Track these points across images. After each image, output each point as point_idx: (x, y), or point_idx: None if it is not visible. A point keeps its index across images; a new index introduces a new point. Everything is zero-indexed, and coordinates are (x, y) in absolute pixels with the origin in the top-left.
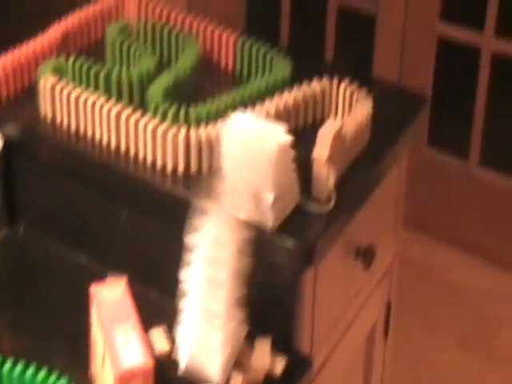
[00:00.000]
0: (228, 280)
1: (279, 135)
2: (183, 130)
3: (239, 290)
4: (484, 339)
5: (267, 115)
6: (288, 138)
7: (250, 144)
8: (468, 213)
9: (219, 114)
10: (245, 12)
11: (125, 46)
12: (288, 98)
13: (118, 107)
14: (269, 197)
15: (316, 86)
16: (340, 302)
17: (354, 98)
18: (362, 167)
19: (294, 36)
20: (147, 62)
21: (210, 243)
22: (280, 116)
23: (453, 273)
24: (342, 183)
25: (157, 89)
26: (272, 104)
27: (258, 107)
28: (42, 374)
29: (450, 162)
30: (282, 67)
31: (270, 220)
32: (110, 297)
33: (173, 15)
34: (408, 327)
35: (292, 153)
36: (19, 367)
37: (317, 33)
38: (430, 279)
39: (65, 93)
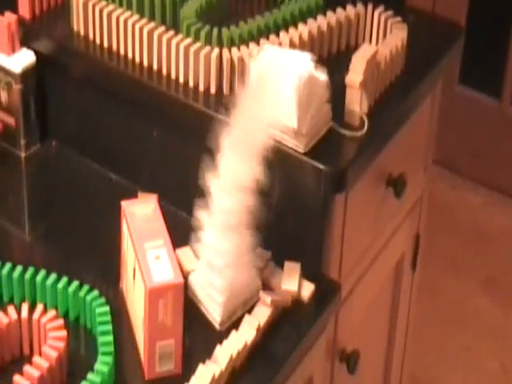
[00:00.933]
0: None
1: (303, 64)
2: (216, 50)
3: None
4: (510, 280)
5: (300, 39)
6: (312, 67)
7: (274, 74)
8: (499, 153)
9: (252, 36)
10: None
11: None
12: (322, 22)
13: (151, 25)
14: (294, 124)
15: (350, 11)
16: (369, 229)
17: (389, 24)
18: (395, 95)
19: None
20: None
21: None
22: (313, 40)
23: (481, 212)
24: (375, 110)
25: (190, 9)
26: (305, 28)
27: (291, 31)
28: (74, 285)
29: (482, 101)
30: None
31: (300, 144)
32: (141, 212)
33: None
34: (435, 266)
35: (320, 80)
36: (52, 277)
37: None
38: (459, 218)
39: (97, 9)
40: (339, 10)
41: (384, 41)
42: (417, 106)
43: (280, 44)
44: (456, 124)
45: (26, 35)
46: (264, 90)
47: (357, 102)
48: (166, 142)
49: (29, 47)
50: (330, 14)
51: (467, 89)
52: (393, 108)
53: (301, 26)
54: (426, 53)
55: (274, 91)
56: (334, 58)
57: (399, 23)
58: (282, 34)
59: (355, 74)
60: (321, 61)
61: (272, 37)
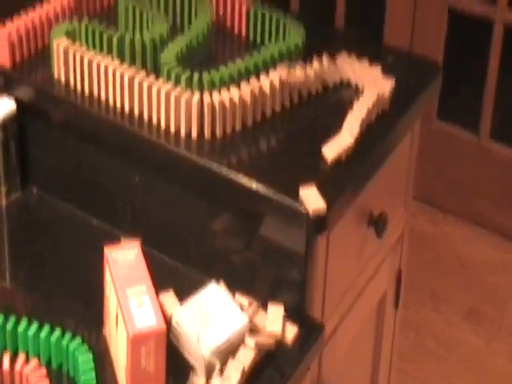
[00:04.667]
0: None
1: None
2: (197, 95)
3: None
4: (492, 312)
5: (281, 83)
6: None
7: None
8: (478, 186)
9: (233, 80)
10: None
11: (137, 12)
12: (300, 71)
13: (132, 71)
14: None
15: (331, 65)
16: (351, 268)
17: (370, 72)
18: (375, 135)
19: (303, 3)
20: (160, 27)
21: None
22: (292, 85)
23: (462, 245)
24: (356, 150)
25: (170, 54)
26: (288, 74)
27: (272, 74)
28: (56, 333)
29: (461, 135)
30: (295, 34)
31: None
32: (124, 258)
33: None
34: (417, 299)
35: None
36: (34, 327)
37: (327, 1)
38: (440, 252)
39: (78, 56)
40: (319, 62)
41: (370, 89)
42: (396, 145)
43: (260, 87)
44: (435, 158)
45: (7, 83)
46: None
47: (341, 150)
48: (148, 186)
49: (9, 95)
50: (309, 64)
51: (445, 123)
52: (373, 148)
53: (282, 69)
54: (406, 92)
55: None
56: (313, 99)
57: (381, 72)
58: (263, 77)
59: (348, 135)
60: (301, 102)
61: (252, 80)
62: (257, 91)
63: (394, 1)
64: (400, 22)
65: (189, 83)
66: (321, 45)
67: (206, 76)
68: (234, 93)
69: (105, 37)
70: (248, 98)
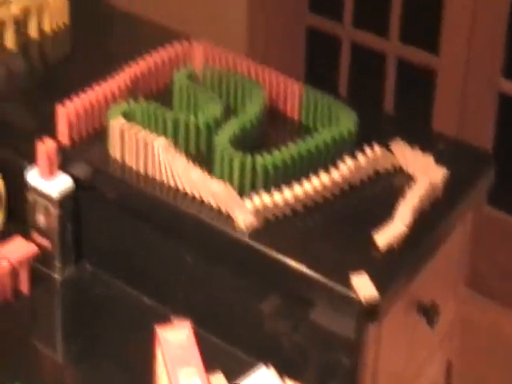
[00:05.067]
0: None
1: None
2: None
3: None
4: None
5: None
6: None
7: None
8: None
9: (286, 165)
10: (304, 60)
11: (192, 92)
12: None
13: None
14: None
15: (384, 151)
16: (402, 357)
17: (423, 159)
18: (428, 223)
19: (352, 87)
20: (214, 109)
21: None
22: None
23: None
24: (409, 238)
25: (223, 136)
26: (344, 165)
27: (333, 172)
28: None
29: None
30: (346, 119)
31: None
32: (175, 338)
33: (238, 62)
34: None
35: None
36: None
37: (376, 85)
38: (489, 341)
39: (134, 136)
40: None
41: (422, 180)
42: (449, 234)
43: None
44: (485, 245)
45: (65, 160)
46: None
47: (393, 238)
48: (199, 266)
49: (67, 172)
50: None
51: (496, 210)
52: (426, 236)
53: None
54: (458, 181)
55: None
56: (365, 185)
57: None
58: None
59: (401, 223)
60: (352, 188)
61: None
62: (309, 189)
63: (442, 85)
64: (448, 107)
65: (242, 166)
66: (372, 130)
67: (258, 159)
68: (287, 193)
69: (160, 118)
70: (299, 194)
